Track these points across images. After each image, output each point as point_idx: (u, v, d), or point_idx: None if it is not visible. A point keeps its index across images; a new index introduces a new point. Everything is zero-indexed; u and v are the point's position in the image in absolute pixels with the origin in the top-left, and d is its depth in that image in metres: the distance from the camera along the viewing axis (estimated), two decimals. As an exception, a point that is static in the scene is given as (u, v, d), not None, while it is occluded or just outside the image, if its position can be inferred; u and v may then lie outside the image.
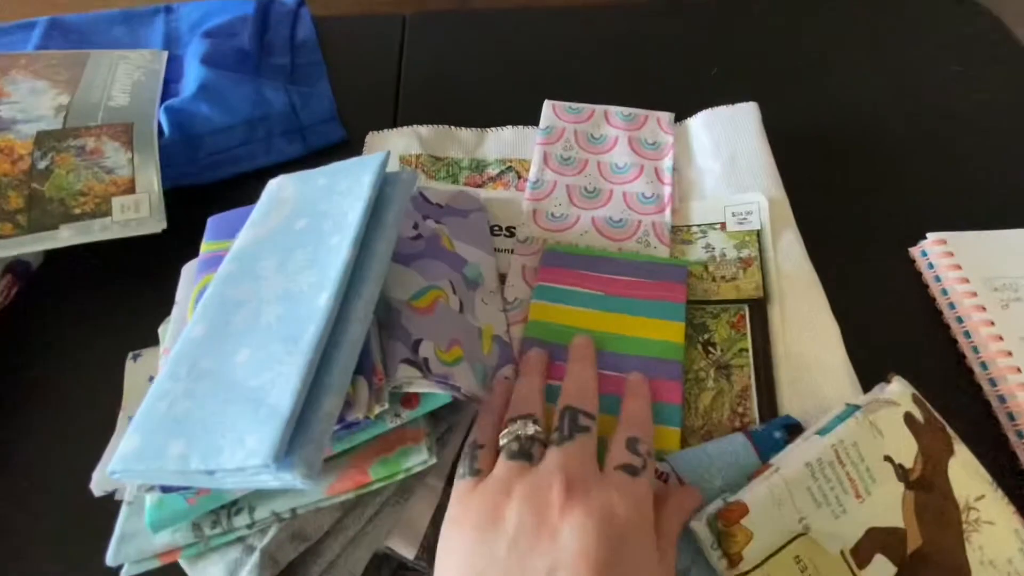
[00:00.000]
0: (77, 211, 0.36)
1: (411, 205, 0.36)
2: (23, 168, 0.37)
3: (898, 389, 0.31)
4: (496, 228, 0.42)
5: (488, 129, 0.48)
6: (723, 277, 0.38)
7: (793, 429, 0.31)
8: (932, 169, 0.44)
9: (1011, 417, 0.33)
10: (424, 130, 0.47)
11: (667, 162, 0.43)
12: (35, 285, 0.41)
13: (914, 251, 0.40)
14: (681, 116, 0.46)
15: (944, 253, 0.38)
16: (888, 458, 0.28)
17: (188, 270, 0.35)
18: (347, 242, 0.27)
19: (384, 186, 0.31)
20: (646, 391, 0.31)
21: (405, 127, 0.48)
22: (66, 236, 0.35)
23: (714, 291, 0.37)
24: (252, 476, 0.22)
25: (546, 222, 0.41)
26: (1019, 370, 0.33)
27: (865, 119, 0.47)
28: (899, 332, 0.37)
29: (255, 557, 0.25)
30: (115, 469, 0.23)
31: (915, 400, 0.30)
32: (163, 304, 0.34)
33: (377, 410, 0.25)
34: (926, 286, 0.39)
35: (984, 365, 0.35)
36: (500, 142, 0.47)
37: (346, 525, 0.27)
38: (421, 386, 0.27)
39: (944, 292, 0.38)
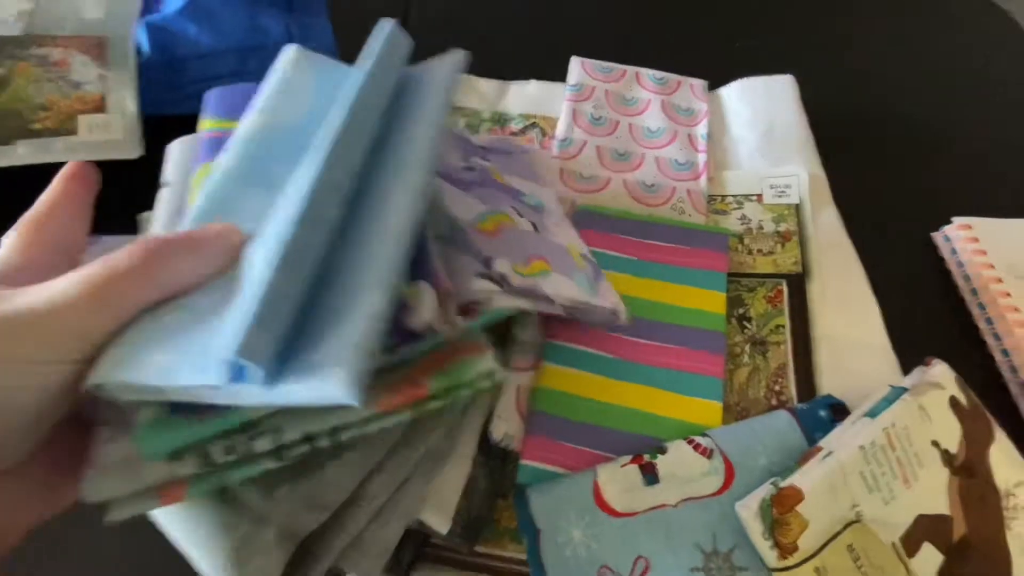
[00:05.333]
0: (37, 127, 0.29)
1: (455, 143, 0.31)
2: (-29, 73, 0.29)
3: (942, 372, 0.28)
4: (519, 187, 0.37)
5: (511, 82, 0.43)
6: (760, 250, 0.34)
7: (836, 409, 0.28)
8: (955, 156, 0.42)
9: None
10: (442, 76, 0.42)
11: (701, 129, 0.39)
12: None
13: (936, 236, 0.38)
14: (710, 84, 0.42)
15: (969, 238, 0.36)
16: (935, 443, 0.26)
17: (179, 149, 0.27)
18: (345, 106, 0.20)
19: (418, 73, 0.24)
20: None
21: (420, 71, 0.42)
22: (22, 154, 0.29)
23: (750, 264, 0.34)
24: (272, 390, 0.16)
25: (575, 183, 0.37)
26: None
27: (890, 102, 0.45)
28: (919, 318, 0.35)
29: (270, 533, 0.20)
30: (95, 380, 0.17)
31: (959, 384, 0.28)
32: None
33: (459, 325, 0.20)
34: (947, 272, 0.37)
35: (1006, 352, 0.33)
36: (524, 96, 0.42)
37: (373, 493, 0.22)
38: (502, 301, 0.22)
39: (967, 278, 0.36)
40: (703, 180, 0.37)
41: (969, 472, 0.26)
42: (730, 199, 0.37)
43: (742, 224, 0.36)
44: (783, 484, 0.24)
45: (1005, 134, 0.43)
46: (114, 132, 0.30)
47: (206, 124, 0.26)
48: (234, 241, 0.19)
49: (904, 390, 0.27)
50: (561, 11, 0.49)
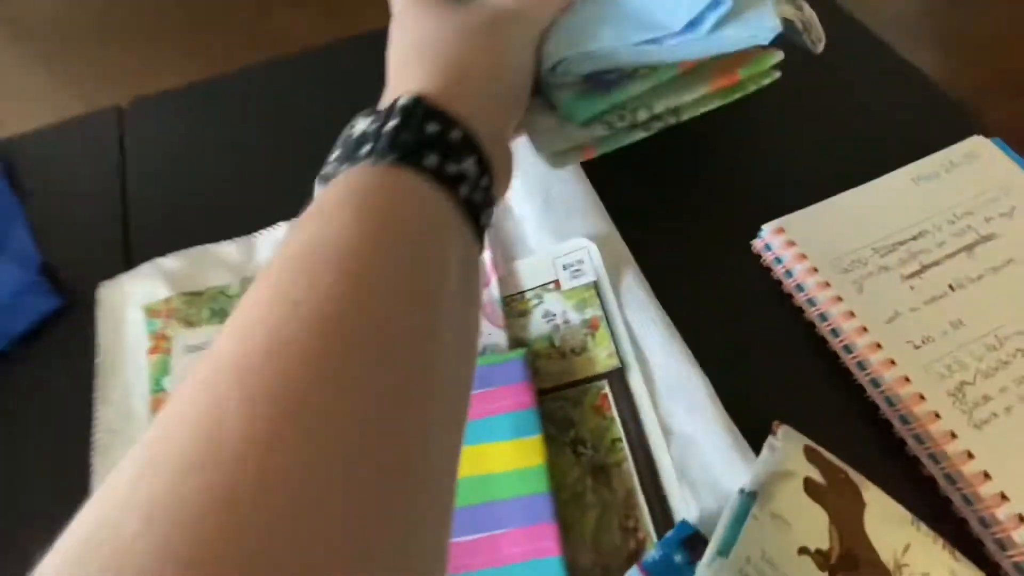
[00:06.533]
0: None
1: None
2: None
3: (789, 447, 0.24)
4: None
5: (258, 233, 0.36)
6: (572, 350, 0.30)
7: (691, 542, 0.23)
8: (755, 162, 0.39)
9: (890, 403, 0.28)
10: (170, 262, 0.34)
11: (477, 221, 0.34)
12: None
13: (757, 246, 0.35)
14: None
15: (786, 243, 0.33)
16: (803, 549, 0.22)
17: None
18: None
19: None
20: None
21: (143, 265, 0.34)
22: None
23: (568, 371, 0.29)
24: (710, 37, 0.22)
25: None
26: (879, 346, 0.29)
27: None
28: (765, 341, 0.31)
29: None
30: (557, 57, 0.23)
31: (808, 455, 0.24)
32: None
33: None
34: (779, 282, 0.34)
35: (848, 349, 0.30)
36: (279, 243, 0.35)
37: None
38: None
39: (800, 288, 0.32)
40: (493, 284, 0.32)
41: (851, 562, 0.22)
42: (529, 294, 0.32)
43: (548, 322, 0.31)
44: None
45: (797, 128, 0.41)
46: None
47: None
48: None
49: (752, 498, 0.23)
50: (285, 118, 0.42)
